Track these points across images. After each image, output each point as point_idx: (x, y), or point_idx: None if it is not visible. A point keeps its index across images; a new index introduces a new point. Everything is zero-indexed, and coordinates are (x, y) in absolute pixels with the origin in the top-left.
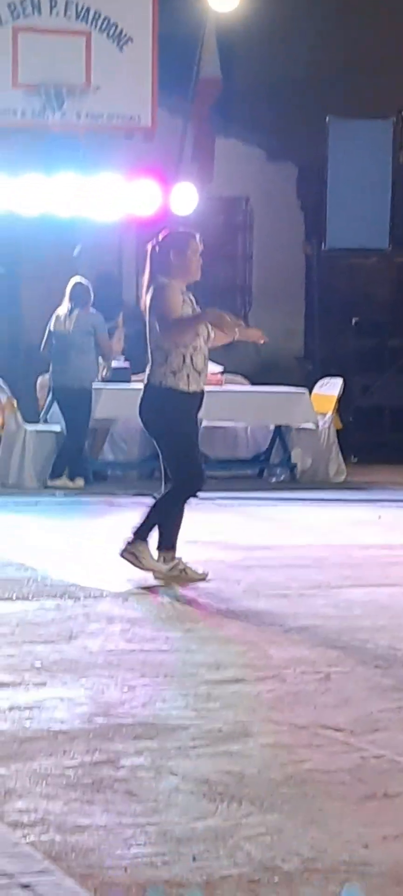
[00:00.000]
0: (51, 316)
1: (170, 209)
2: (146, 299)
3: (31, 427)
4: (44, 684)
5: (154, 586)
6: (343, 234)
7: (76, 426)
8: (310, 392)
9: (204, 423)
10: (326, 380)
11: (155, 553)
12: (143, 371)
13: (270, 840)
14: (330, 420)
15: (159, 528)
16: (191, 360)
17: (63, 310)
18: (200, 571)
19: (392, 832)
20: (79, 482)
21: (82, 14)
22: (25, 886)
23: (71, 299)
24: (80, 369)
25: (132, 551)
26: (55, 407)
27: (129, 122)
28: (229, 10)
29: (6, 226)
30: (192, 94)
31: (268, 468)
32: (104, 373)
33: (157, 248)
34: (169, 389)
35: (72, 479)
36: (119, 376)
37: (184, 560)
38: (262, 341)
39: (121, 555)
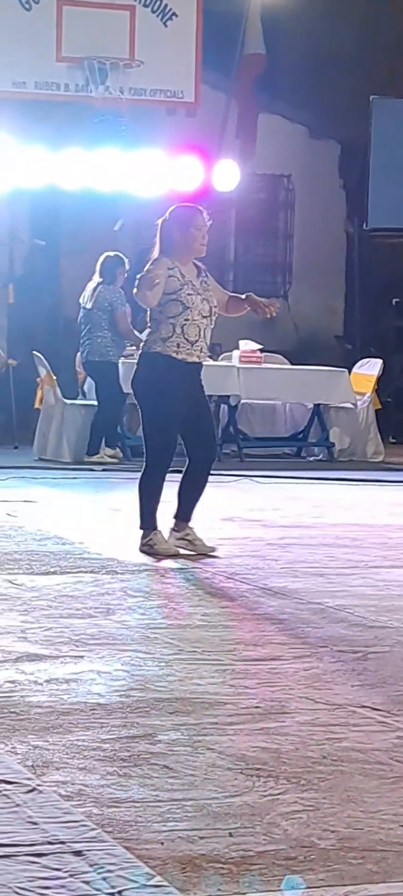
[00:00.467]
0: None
1: (212, 185)
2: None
3: (69, 401)
4: (81, 658)
5: (194, 562)
6: (384, 214)
7: (104, 400)
8: (349, 371)
9: (243, 401)
10: (365, 360)
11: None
12: None
13: (306, 817)
14: (369, 400)
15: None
16: (182, 330)
17: (92, 284)
18: (208, 545)
19: None
20: (115, 454)
21: None
22: (77, 853)
23: (100, 274)
24: (100, 344)
25: (146, 543)
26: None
27: (172, 97)
28: None
29: (48, 199)
30: (236, 70)
31: (306, 447)
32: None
33: (165, 224)
34: (156, 354)
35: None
36: None
37: (193, 531)
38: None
39: (140, 550)
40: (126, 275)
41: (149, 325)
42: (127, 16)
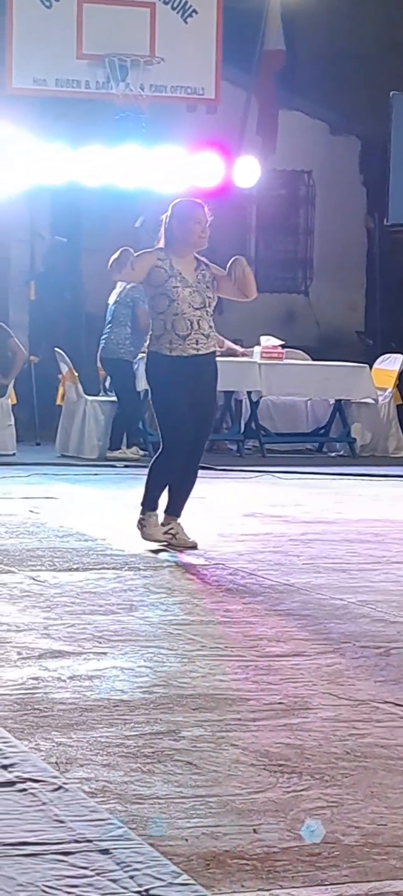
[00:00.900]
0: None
1: (233, 182)
2: None
3: (91, 398)
4: (104, 654)
5: (212, 559)
6: None
7: (122, 397)
8: (371, 367)
9: (265, 397)
10: (386, 355)
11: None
12: None
13: (330, 814)
14: (391, 395)
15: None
16: (172, 326)
17: (120, 285)
18: (190, 539)
19: None
20: (136, 452)
21: None
22: (104, 852)
23: None
24: (113, 341)
25: (139, 521)
26: None
27: (193, 94)
28: None
29: (69, 196)
30: (256, 66)
31: (328, 442)
32: None
33: (167, 218)
34: (153, 353)
35: (129, 448)
36: None
37: (179, 525)
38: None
39: (136, 526)
40: None
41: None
42: (147, 13)
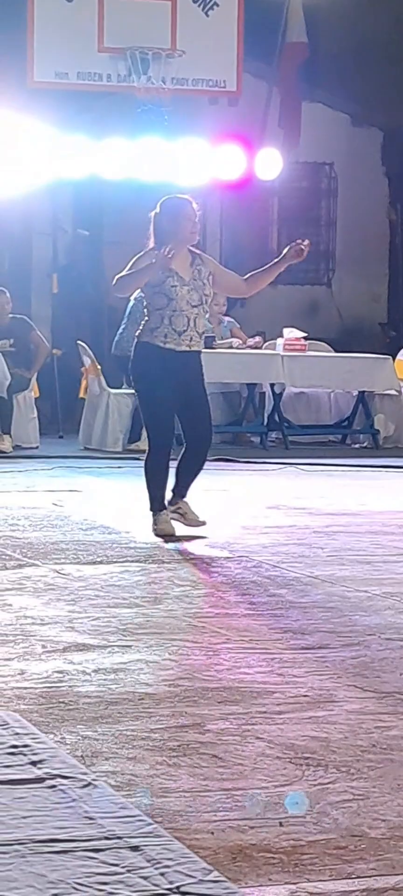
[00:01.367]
0: None
1: (255, 174)
2: None
3: (114, 391)
4: (129, 647)
5: (236, 551)
6: None
7: None
8: (394, 358)
9: (288, 389)
10: None
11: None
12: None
13: (356, 806)
14: None
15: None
16: (170, 320)
17: None
18: (200, 518)
19: None
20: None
21: None
22: (134, 849)
23: None
24: (127, 340)
25: (154, 524)
26: None
27: (214, 87)
28: None
29: (91, 190)
30: (278, 58)
31: (351, 434)
32: None
33: (157, 216)
34: (144, 343)
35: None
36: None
37: (187, 504)
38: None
39: (153, 532)
40: None
41: (145, 312)
42: (168, 6)
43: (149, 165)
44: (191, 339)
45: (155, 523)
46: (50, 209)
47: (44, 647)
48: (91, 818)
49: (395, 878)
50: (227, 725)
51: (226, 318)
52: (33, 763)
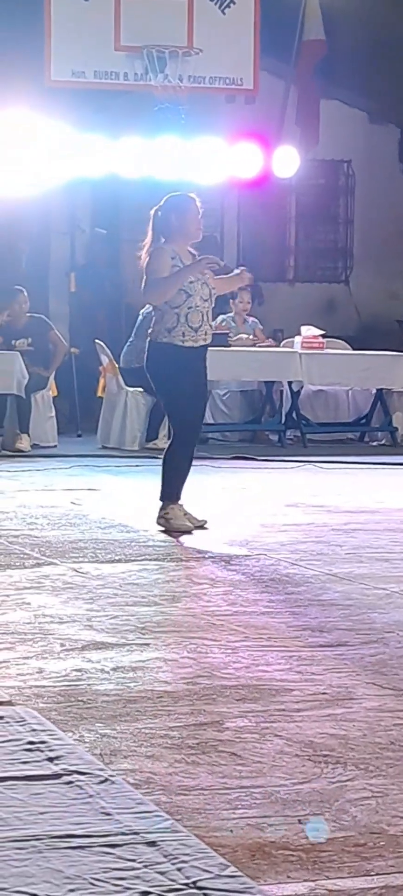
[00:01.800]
0: None
1: (272, 172)
2: (145, 260)
3: (132, 389)
4: (147, 646)
5: (254, 549)
6: None
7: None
8: None
9: (306, 387)
10: None
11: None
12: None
13: (375, 804)
14: None
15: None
16: (186, 318)
17: None
18: (200, 518)
19: None
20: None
21: None
22: (151, 844)
23: None
24: (131, 354)
25: (162, 516)
26: None
27: (231, 85)
28: None
29: (108, 188)
30: (295, 56)
31: (369, 432)
32: None
33: (160, 213)
34: (164, 344)
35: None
36: (216, 340)
37: (176, 508)
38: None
39: (157, 522)
40: None
41: (153, 312)
42: (184, 4)
43: (166, 164)
44: (206, 332)
45: (167, 517)
46: (67, 208)
47: (62, 645)
48: (108, 814)
49: None
50: (246, 723)
51: (251, 319)
52: (50, 759)
